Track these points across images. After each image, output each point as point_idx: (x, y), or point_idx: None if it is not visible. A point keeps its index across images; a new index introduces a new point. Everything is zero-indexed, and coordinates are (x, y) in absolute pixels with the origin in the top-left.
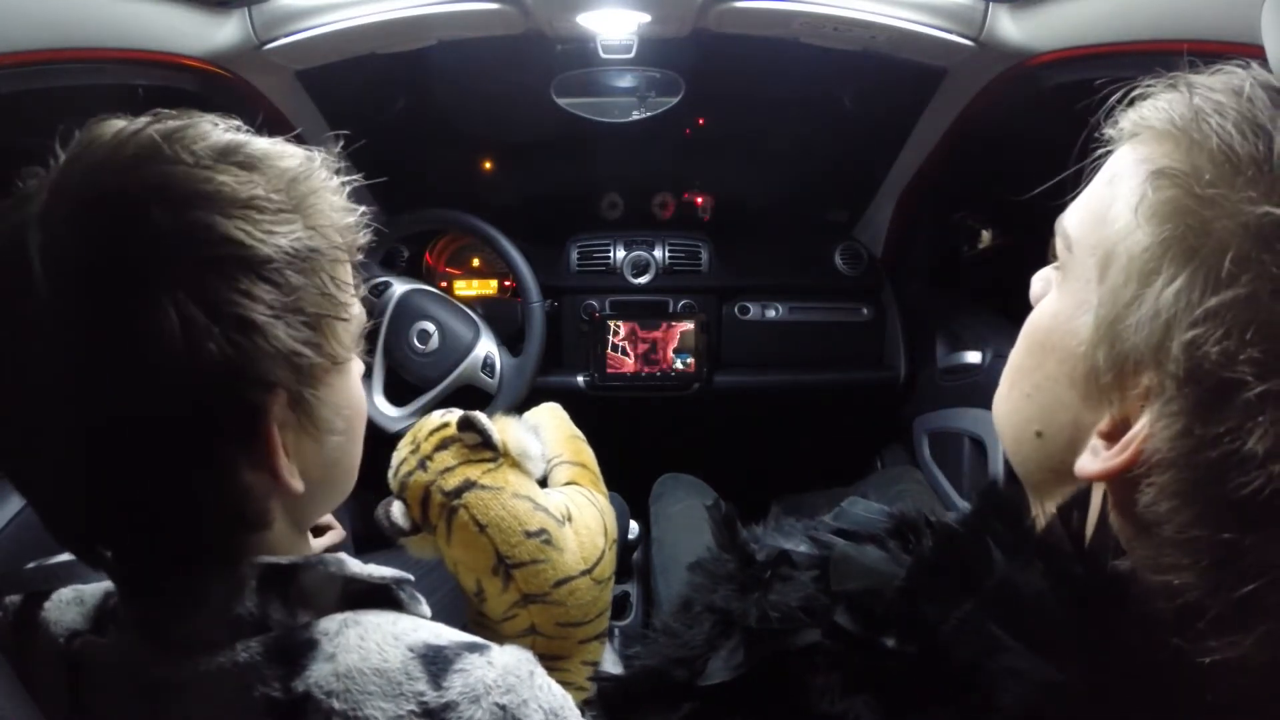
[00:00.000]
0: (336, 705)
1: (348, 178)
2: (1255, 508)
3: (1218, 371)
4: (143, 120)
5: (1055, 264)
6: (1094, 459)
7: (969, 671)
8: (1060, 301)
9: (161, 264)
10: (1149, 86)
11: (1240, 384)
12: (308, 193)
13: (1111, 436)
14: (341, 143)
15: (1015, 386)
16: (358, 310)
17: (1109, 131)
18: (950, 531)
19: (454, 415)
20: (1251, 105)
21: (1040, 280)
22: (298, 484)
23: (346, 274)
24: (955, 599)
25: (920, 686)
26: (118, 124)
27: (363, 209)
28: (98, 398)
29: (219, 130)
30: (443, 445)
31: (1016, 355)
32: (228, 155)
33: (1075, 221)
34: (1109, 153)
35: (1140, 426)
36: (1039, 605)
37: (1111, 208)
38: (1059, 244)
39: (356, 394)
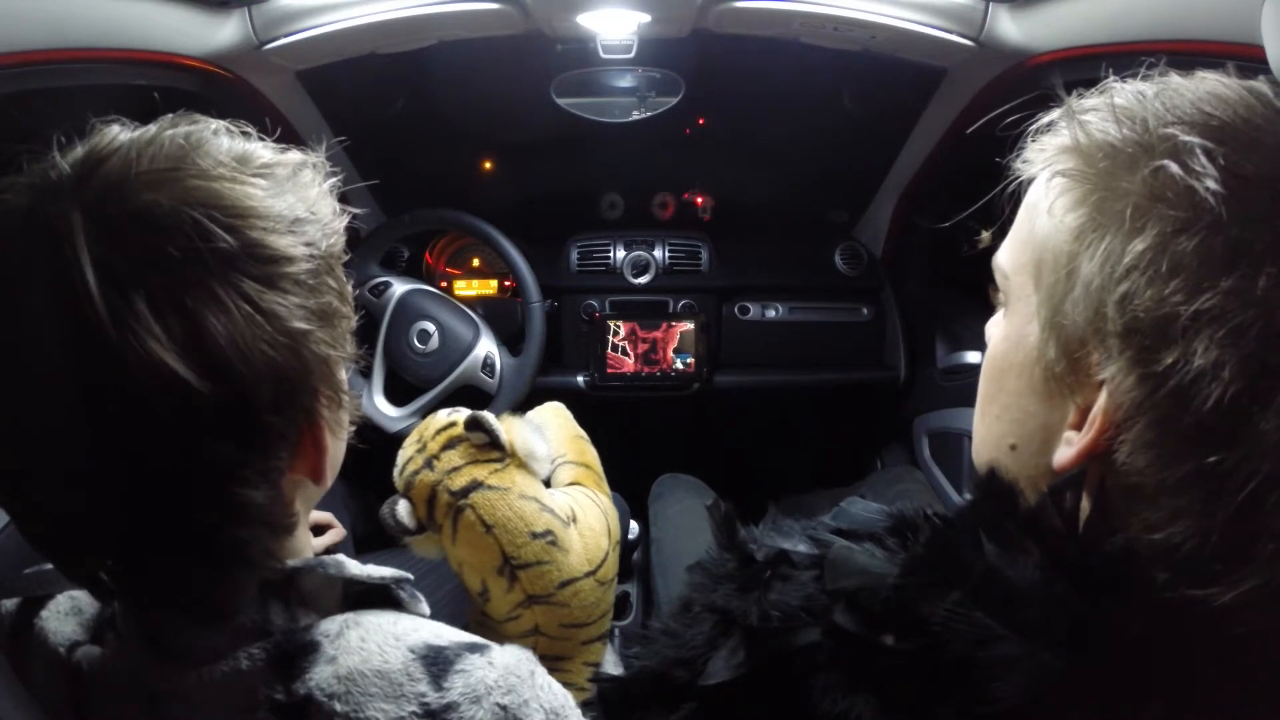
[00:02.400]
0: (338, 707)
1: (337, 178)
2: (1220, 417)
3: (1151, 314)
4: (154, 128)
5: (1000, 302)
6: (1068, 448)
7: (964, 665)
8: (1008, 326)
9: (211, 277)
10: (1044, 122)
11: (1172, 316)
12: (317, 198)
13: (1079, 426)
14: (330, 143)
15: (984, 415)
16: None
17: (1018, 168)
18: (943, 525)
19: (461, 414)
20: (1115, 99)
21: (992, 326)
22: (329, 482)
23: (343, 272)
24: (947, 592)
25: (920, 683)
26: (127, 132)
27: (347, 211)
28: (137, 418)
29: (227, 136)
30: (450, 444)
31: (981, 389)
32: (248, 163)
33: (1005, 255)
34: (1024, 188)
35: (1100, 399)
36: (1031, 591)
37: (1032, 225)
38: (998, 280)
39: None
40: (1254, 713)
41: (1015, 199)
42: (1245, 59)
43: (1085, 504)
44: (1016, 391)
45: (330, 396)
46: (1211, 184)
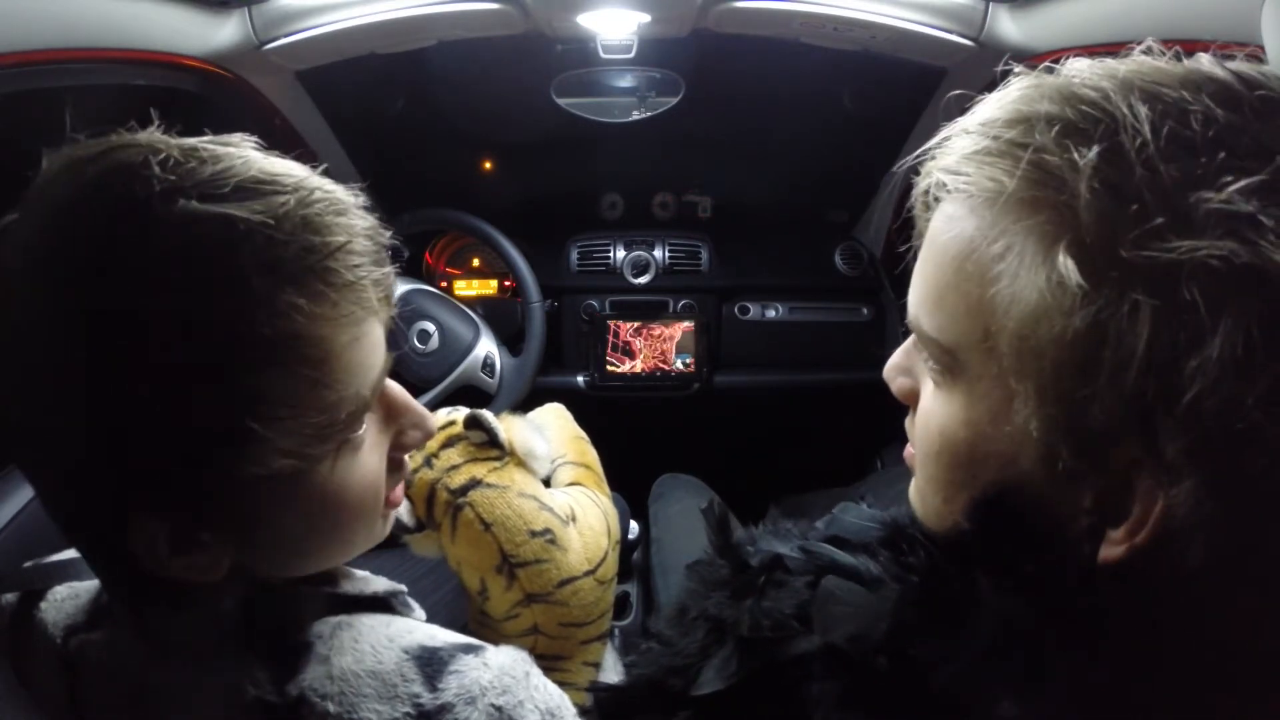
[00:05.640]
0: (331, 708)
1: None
2: None
3: (1225, 427)
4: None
5: (925, 362)
6: (1109, 546)
7: (962, 710)
8: (967, 411)
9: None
10: (942, 138)
11: (1254, 431)
12: None
13: (1102, 511)
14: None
15: (950, 503)
16: None
17: (916, 207)
18: (936, 562)
19: (460, 413)
20: (1091, 128)
21: (902, 375)
22: (208, 576)
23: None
24: (944, 642)
25: (915, 708)
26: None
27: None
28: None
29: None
30: (449, 443)
31: (937, 470)
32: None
33: (938, 319)
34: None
35: (1152, 502)
36: (1030, 645)
37: (987, 294)
38: (928, 349)
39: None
40: None
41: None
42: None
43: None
44: (1000, 483)
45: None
46: (1265, 245)
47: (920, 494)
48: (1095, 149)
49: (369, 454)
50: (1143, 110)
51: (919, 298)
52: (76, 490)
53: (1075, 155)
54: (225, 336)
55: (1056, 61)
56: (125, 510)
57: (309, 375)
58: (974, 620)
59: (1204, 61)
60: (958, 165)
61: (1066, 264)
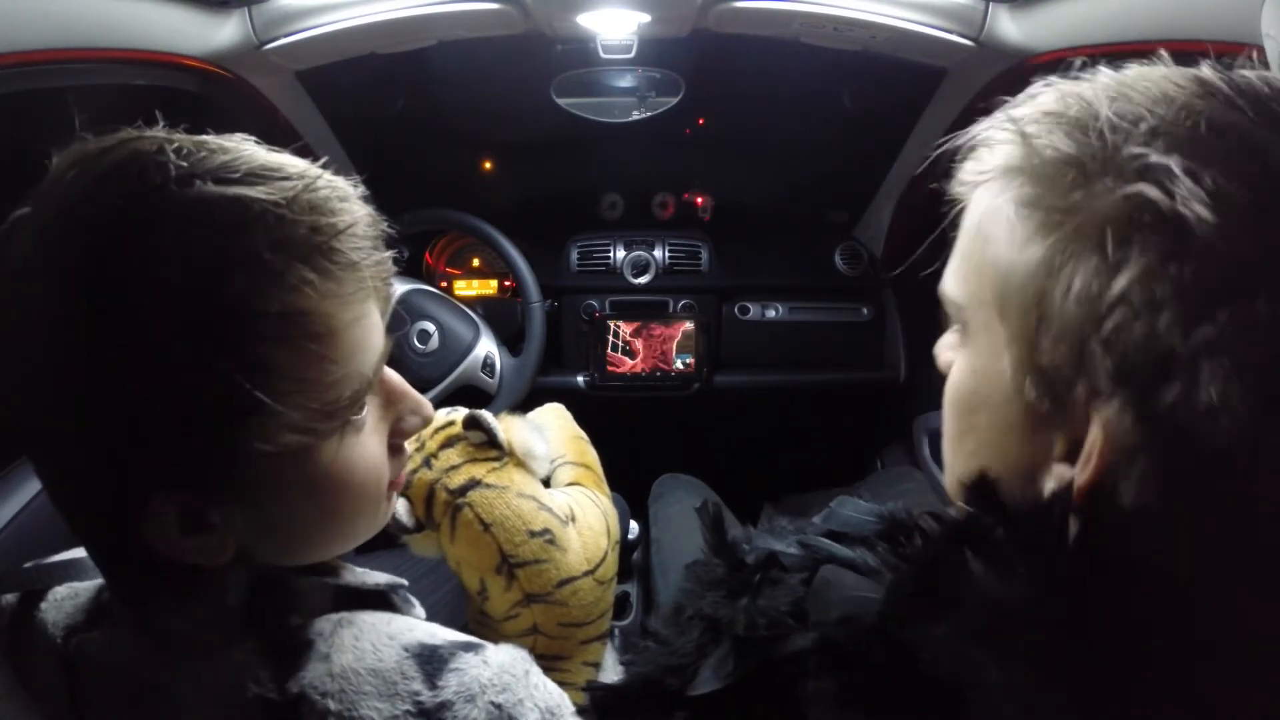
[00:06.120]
0: (331, 705)
1: None
2: (1230, 448)
3: (1145, 351)
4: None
5: (953, 330)
6: (1061, 480)
7: (954, 691)
8: (972, 360)
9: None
10: (977, 137)
11: (1168, 351)
12: None
13: (1068, 458)
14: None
15: (958, 449)
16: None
17: (955, 190)
18: (929, 544)
19: (459, 413)
20: (1063, 109)
21: (944, 350)
22: (217, 559)
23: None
24: (933, 621)
25: (910, 702)
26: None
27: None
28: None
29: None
30: (448, 443)
31: (948, 425)
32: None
33: (955, 284)
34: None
35: (1093, 434)
36: (1020, 616)
37: (985, 254)
38: (949, 310)
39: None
40: None
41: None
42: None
43: (1087, 529)
44: (992, 427)
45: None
46: (1199, 208)
47: (944, 454)
48: (1064, 124)
49: (370, 437)
50: (1104, 97)
51: (950, 268)
52: (89, 470)
53: (1052, 133)
54: (239, 311)
55: (1058, 61)
56: (137, 488)
57: (316, 351)
58: (965, 599)
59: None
60: (981, 157)
61: (1026, 217)
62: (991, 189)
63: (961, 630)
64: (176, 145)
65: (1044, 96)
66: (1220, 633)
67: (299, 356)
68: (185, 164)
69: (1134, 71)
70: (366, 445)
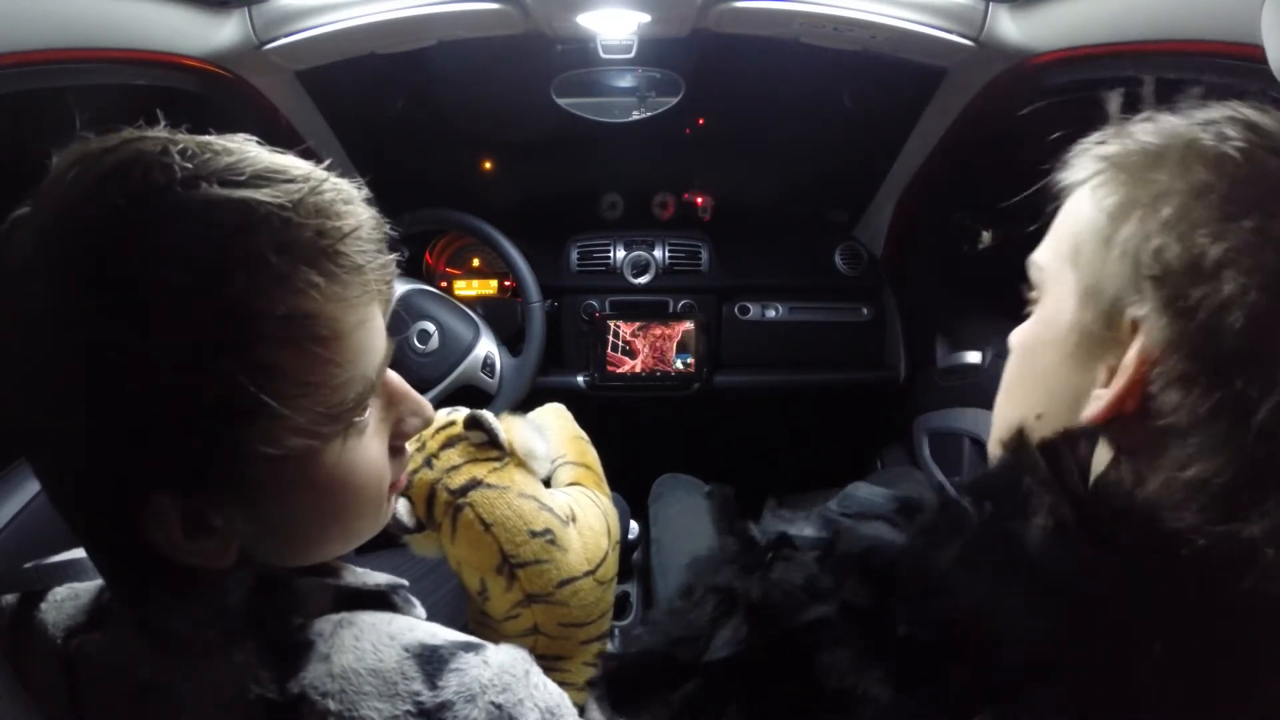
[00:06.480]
0: (332, 706)
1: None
2: (1247, 343)
3: (1182, 258)
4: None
5: (1030, 304)
6: (1099, 402)
7: (974, 619)
8: (1041, 311)
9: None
10: (1092, 138)
11: (1200, 256)
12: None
13: (1109, 384)
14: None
15: (1010, 395)
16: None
17: (1062, 175)
18: (948, 496)
19: (460, 413)
20: (1160, 120)
21: (1017, 332)
22: (220, 562)
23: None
24: (953, 547)
25: (931, 648)
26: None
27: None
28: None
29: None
30: (449, 443)
31: (1010, 373)
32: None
33: (1044, 249)
34: (1062, 192)
35: (1135, 345)
36: (1036, 540)
37: (1073, 219)
38: (1033, 276)
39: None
40: (1258, 658)
41: (1054, 204)
42: (1245, 59)
43: (1106, 456)
44: (1047, 365)
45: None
46: (1238, 143)
47: (995, 410)
48: (1155, 128)
49: (372, 439)
50: (1193, 114)
51: (1043, 243)
52: (90, 470)
53: (1145, 133)
54: (243, 312)
55: (1059, 62)
56: (139, 488)
57: (320, 354)
58: (983, 528)
59: None
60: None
61: (1109, 183)
62: (1090, 180)
63: (979, 553)
64: (181, 146)
65: (1153, 115)
66: (1230, 559)
67: (303, 359)
68: (190, 165)
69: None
70: (369, 447)
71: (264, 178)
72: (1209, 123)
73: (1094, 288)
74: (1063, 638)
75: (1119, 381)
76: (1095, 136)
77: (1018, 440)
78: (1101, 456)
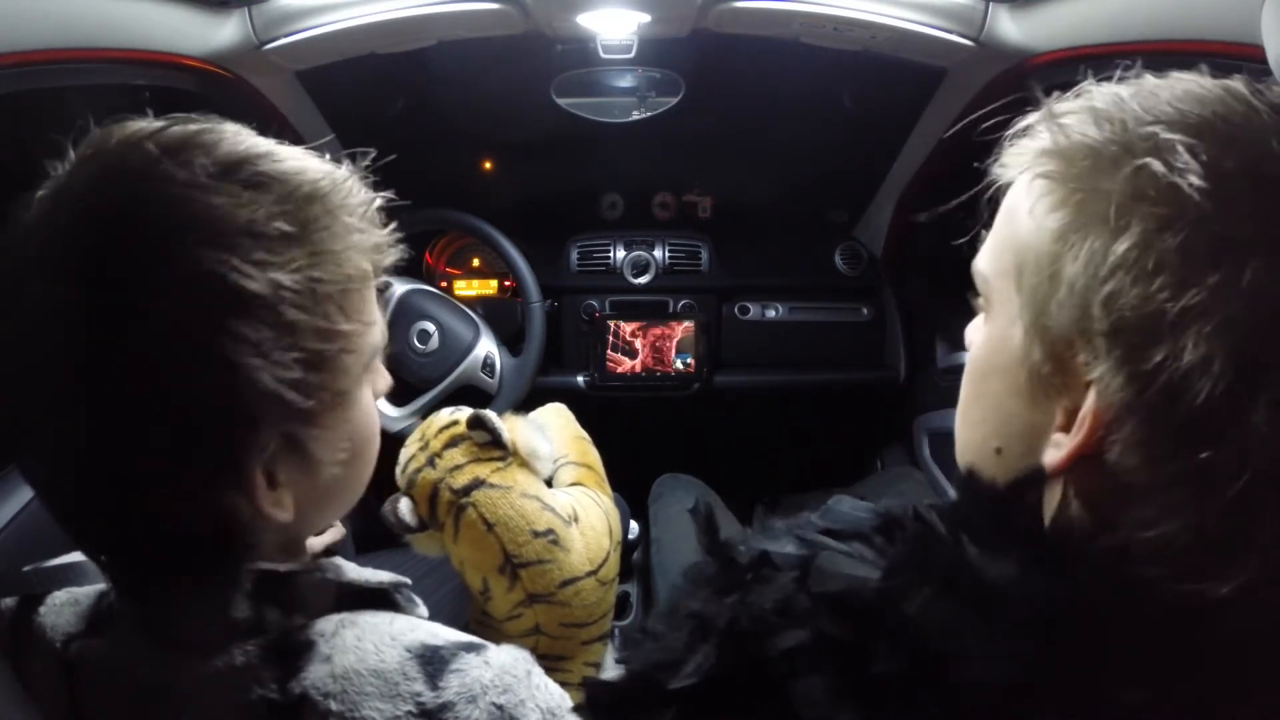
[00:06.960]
0: (334, 706)
1: (374, 194)
2: (1211, 413)
3: (1138, 312)
4: (155, 125)
5: (980, 306)
6: (1057, 450)
7: (944, 660)
8: (990, 329)
9: (139, 293)
10: (1021, 126)
11: (1159, 313)
12: (321, 214)
13: (1067, 427)
14: (369, 156)
15: (967, 418)
16: (375, 337)
17: (996, 173)
18: (925, 525)
19: (463, 413)
20: (1093, 102)
21: (972, 330)
22: (284, 515)
23: (361, 301)
24: (926, 589)
25: (904, 684)
26: (130, 128)
27: (389, 228)
28: (82, 411)
29: (232, 140)
30: (452, 443)
31: (964, 393)
32: (232, 172)
33: (985, 259)
34: (1000, 193)
35: (1089, 399)
36: (1007, 584)
37: (1012, 229)
38: (979, 285)
39: (363, 422)
40: (1237, 700)
41: (994, 203)
42: (1245, 59)
43: (1074, 504)
44: (1000, 394)
45: (288, 435)
46: (1194, 179)
47: (955, 427)
48: (1094, 115)
49: (367, 391)
50: (1134, 93)
51: (984, 246)
52: (125, 464)
53: (1083, 122)
54: (261, 290)
55: (1060, 61)
56: (236, 464)
57: (360, 311)
58: (954, 570)
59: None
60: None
61: (1049, 193)
62: (1026, 174)
63: (949, 596)
64: (180, 141)
65: (1085, 93)
66: (1201, 606)
67: (356, 316)
68: (189, 159)
69: (1170, 76)
70: (368, 397)
71: (260, 166)
72: (1153, 134)
73: (1040, 326)
74: (1037, 678)
75: (1076, 436)
76: (1024, 123)
77: (979, 483)
78: (1053, 492)
